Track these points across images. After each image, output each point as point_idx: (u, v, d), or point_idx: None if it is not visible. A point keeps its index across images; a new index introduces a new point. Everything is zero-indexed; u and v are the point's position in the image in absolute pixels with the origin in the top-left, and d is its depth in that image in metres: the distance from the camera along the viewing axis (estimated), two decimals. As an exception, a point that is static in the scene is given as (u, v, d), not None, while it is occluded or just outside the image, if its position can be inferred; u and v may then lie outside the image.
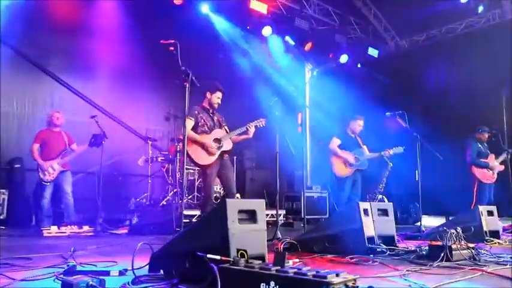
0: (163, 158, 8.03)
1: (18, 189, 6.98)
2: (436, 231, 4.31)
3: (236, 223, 2.20)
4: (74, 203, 6.08)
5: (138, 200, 7.86)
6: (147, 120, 9.16)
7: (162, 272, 2.40)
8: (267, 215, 7.67)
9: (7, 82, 7.16)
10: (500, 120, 7.92)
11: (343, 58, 10.01)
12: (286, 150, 5.41)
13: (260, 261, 2.06)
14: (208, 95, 4.96)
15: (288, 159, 6.08)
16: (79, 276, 2.09)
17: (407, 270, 2.83)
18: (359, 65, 10.34)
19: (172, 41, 3.49)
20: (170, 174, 7.83)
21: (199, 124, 4.84)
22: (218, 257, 1.98)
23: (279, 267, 1.88)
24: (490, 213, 4.80)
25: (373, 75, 10.18)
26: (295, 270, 1.82)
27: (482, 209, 4.68)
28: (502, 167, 6.92)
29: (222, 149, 4.84)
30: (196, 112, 4.86)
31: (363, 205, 3.68)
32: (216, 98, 4.96)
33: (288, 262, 1.95)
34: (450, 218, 5.99)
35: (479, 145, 6.99)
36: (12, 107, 7.62)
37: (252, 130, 4.87)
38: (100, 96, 8.38)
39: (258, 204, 2.34)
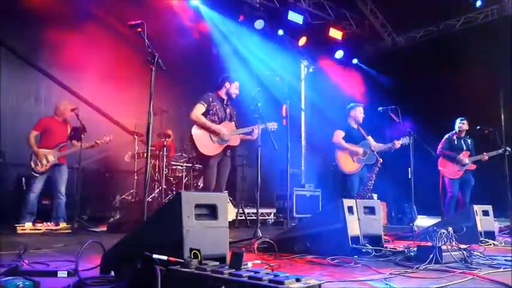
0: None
1: (0, 185, 6.72)
2: (427, 232, 4.07)
3: (192, 219, 1.94)
4: None
5: (123, 196, 7.61)
6: (137, 115, 8.86)
7: (113, 273, 2.15)
8: (255, 213, 7.40)
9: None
10: (499, 117, 7.68)
11: (338, 54, 9.77)
12: (278, 147, 5.13)
13: (217, 263, 1.81)
14: (227, 84, 4.81)
15: (281, 156, 5.78)
16: (11, 277, 1.84)
17: (390, 273, 2.58)
18: (355, 61, 10.11)
19: (140, 21, 3.24)
20: (157, 170, 7.58)
21: (211, 112, 4.68)
22: (165, 258, 1.72)
23: (233, 270, 1.63)
24: (486, 213, 4.55)
25: (369, 71, 9.96)
26: (251, 274, 1.57)
27: (477, 208, 4.44)
28: (474, 166, 6.50)
29: (229, 143, 4.66)
30: (210, 99, 4.70)
31: (348, 202, 3.42)
32: (235, 87, 4.84)
33: (246, 264, 1.70)
34: (444, 218, 5.76)
35: (455, 138, 6.69)
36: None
37: (257, 131, 4.73)
38: (87, 90, 8.12)
39: (219, 198, 2.08)
